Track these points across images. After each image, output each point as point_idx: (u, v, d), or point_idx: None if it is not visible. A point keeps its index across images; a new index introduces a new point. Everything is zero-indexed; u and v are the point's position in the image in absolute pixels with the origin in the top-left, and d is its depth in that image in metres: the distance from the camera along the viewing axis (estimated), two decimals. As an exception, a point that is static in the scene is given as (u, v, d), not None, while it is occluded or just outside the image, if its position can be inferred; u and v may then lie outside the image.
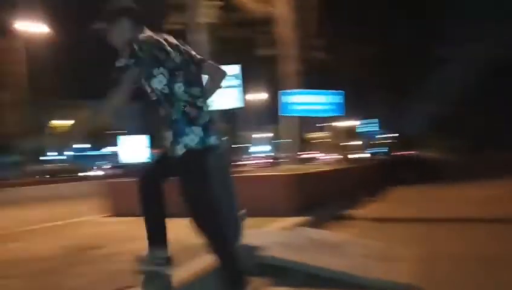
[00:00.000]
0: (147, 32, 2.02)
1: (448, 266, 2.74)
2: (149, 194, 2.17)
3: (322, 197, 5.15)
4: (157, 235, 2.20)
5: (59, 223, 4.63)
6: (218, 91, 2.24)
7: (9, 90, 25.75)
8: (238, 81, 8.46)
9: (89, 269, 2.42)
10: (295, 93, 8.48)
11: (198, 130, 1.95)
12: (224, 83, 2.28)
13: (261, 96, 35.49)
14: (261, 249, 2.69)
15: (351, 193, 6.42)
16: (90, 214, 5.24)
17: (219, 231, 2.06)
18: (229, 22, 12.68)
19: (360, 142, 21.55)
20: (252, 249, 2.72)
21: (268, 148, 57.70)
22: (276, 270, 2.58)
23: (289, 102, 8.31)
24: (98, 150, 42.84)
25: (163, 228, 2.20)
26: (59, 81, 30.52)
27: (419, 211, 5.56)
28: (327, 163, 10.68)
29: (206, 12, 7.00)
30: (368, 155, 18.73)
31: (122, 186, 5.49)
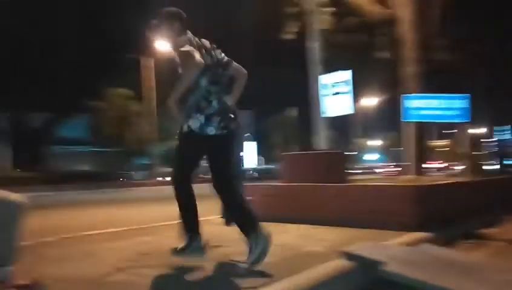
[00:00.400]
0: (189, 35, 2.63)
1: None
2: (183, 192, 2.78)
3: (449, 213, 4.62)
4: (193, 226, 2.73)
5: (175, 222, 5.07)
6: (241, 90, 2.81)
7: (143, 102, 29.51)
8: (349, 88, 8.23)
9: (211, 265, 2.58)
10: (417, 98, 7.85)
11: (201, 118, 2.53)
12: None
13: (374, 101, 33.95)
14: (379, 263, 2.52)
15: (485, 209, 5.62)
16: (211, 214, 5.62)
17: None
18: (343, 27, 12.50)
19: (490, 152, 18.86)
20: (369, 261, 2.58)
21: (378, 156, 54.73)
22: (395, 287, 2.39)
23: (412, 107, 7.72)
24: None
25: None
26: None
27: None
28: (454, 174, 9.60)
29: (320, 19, 7.01)
30: (499, 166, 16.24)
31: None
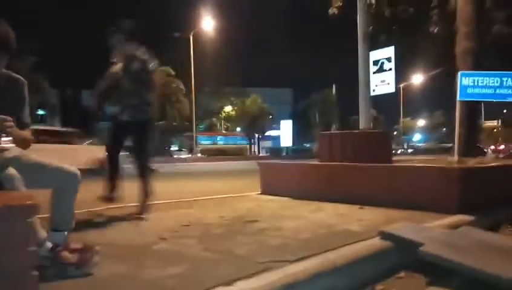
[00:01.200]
0: (126, 47, 3.65)
1: None
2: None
3: (495, 196, 4.42)
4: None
5: (221, 196, 5.22)
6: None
7: (182, 79, 29.98)
8: (392, 65, 7.91)
9: (250, 240, 2.66)
10: (473, 75, 7.38)
11: (119, 108, 3.75)
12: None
13: (420, 79, 32.40)
14: (417, 244, 2.49)
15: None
16: (247, 190, 5.74)
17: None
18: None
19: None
20: (409, 242, 2.55)
21: (423, 136, 52.59)
22: (433, 269, 2.36)
23: (469, 84, 7.28)
24: (260, 133, 46.16)
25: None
26: (224, 71, 34.07)
27: None
28: (506, 156, 9.08)
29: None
30: None
31: (273, 167, 5.82)
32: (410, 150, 42.84)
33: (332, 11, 11.54)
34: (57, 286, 1.85)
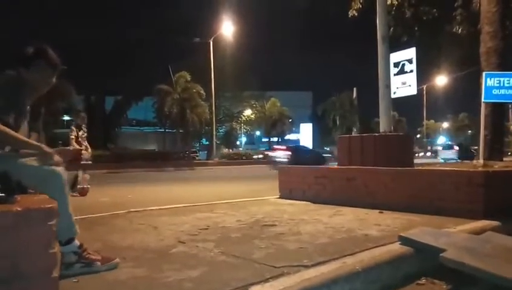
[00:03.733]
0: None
1: None
2: None
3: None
4: None
5: (240, 200, 5.23)
6: None
7: (201, 84, 30.24)
8: (413, 66, 7.76)
9: (267, 244, 2.66)
10: (499, 75, 7.15)
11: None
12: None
13: (443, 80, 31.68)
14: (438, 250, 2.43)
15: None
16: (265, 195, 5.74)
17: None
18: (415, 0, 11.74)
19: None
20: (429, 248, 2.49)
21: (446, 139, 51.34)
22: (454, 275, 2.30)
23: (494, 85, 7.06)
24: (280, 136, 46.12)
25: None
26: (243, 75, 34.23)
27: None
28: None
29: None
30: None
31: (291, 171, 5.80)
32: (428, 153, 41.73)
33: (352, 13, 11.46)
34: (78, 288, 1.90)
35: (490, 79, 6.91)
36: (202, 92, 30.15)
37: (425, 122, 45.43)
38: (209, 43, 27.55)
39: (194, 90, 30.34)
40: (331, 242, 2.70)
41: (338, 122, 45.24)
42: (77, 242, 2.11)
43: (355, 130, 41.41)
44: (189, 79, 30.34)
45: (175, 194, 5.79)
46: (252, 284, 1.82)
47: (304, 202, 4.91)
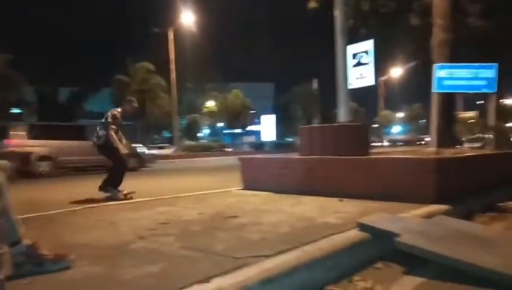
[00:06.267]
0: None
1: None
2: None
3: (470, 185, 4.54)
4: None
5: (202, 193, 5.18)
6: None
7: (163, 76, 29.54)
8: (371, 58, 7.99)
9: (229, 235, 2.65)
10: (448, 67, 7.51)
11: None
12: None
13: (399, 72, 32.92)
14: (393, 235, 2.53)
15: (509, 181, 5.48)
16: (228, 186, 5.73)
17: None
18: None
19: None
20: (384, 233, 2.59)
21: (402, 128, 53.57)
22: (409, 258, 2.41)
23: (443, 76, 7.40)
24: (242, 128, 46.19)
25: None
26: (205, 66, 33.77)
27: None
28: (480, 146, 9.34)
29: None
30: None
31: (254, 162, 5.82)
32: (386, 143, 43.45)
33: (311, 5, 11.58)
34: (28, 289, 1.81)
35: (441, 70, 7.26)
36: (163, 83, 29.44)
37: (381, 112, 47.07)
38: (169, 33, 26.87)
39: (154, 82, 29.58)
40: (293, 231, 2.73)
41: (300, 113, 45.89)
42: (26, 242, 2.00)
43: (316, 120, 42.20)
44: (150, 70, 29.50)
45: (134, 188, 5.64)
46: (213, 276, 1.80)
47: (267, 193, 4.94)
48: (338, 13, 6.07)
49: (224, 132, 48.06)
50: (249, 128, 48.12)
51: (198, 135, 42.26)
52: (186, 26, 27.43)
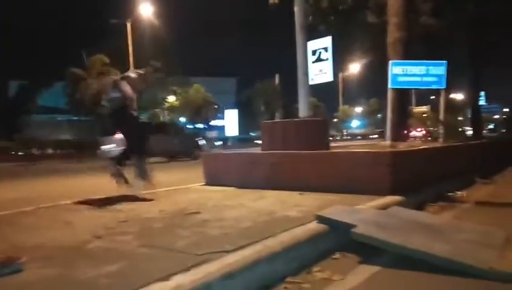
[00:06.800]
0: None
1: None
2: None
3: (423, 177, 4.79)
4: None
5: (163, 189, 5.09)
6: None
7: (122, 69, 28.54)
8: (329, 54, 8.18)
9: (190, 232, 2.64)
10: (403, 64, 7.84)
11: None
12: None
13: (358, 68, 33.89)
14: (350, 226, 2.63)
15: (459, 173, 5.84)
16: (190, 182, 5.68)
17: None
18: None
19: (467, 118, 19.29)
20: (342, 225, 2.68)
21: (361, 123, 55.38)
22: (365, 248, 2.51)
23: (398, 73, 7.72)
24: (205, 123, 45.64)
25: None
26: (165, 60, 33.01)
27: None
28: (431, 140, 9.85)
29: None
30: (474, 132, 16.63)
31: (216, 157, 5.81)
32: (345, 137, 44.75)
33: (273, 0, 11.62)
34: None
35: (395, 67, 7.57)
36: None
37: (340, 107, 48.34)
38: (127, 25, 25.98)
39: (113, 75, 28.52)
40: (254, 226, 2.76)
41: (262, 108, 46.13)
42: None
43: (278, 115, 42.60)
44: (106, 62, 28.38)
45: (91, 186, 5.45)
46: (173, 274, 1.79)
47: (230, 188, 4.95)
48: (297, 9, 6.14)
49: (187, 127, 47.41)
50: (212, 123, 47.76)
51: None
52: (146, 18, 26.66)
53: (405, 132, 9.08)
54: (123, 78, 4.51)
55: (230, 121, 51.21)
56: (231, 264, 1.91)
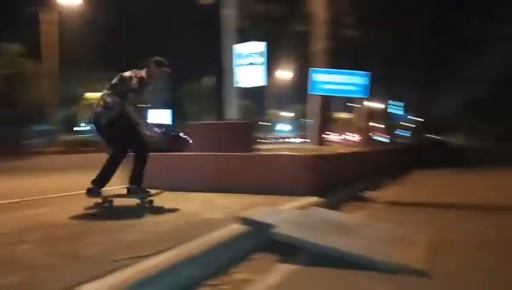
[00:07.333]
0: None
1: (454, 252, 2.67)
2: None
3: (342, 179, 5.10)
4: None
5: (75, 193, 4.76)
6: None
7: (44, 61, 26.33)
8: (263, 59, 8.36)
9: (104, 238, 2.50)
10: (324, 72, 8.27)
11: None
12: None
13: (289, 74, 35.07)
14: (270, 226, 2.70)
15: (373, 175, 6.33)
16: (110, 185, 5.37)
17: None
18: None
19: (384, 125, 21.07)
20: (262, 226, 2.74)
21: (290, 127, 57.41)
22: (285, 247, 2.60)
23: (318, 80, 8.12)
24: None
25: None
26: (92, 54, 31.06)
27: (434, 195, 5.52)
28: (350, 144, 10.53)
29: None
30: (389, 138, 18.27)
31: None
32: (273, 140, 46.04)
33: (204, 1, 11.55)
34: None
35: (316, 75, 7.98)
36: (38, 69, 26.08)
37: (269, 111, 49.67)
38: (44, 13, 24.00)
39: (28, 67, 26.02)
40: (175, 229, 2.71)
41: (193, 109, 45.52)
42: None
43: (206, 117, 42.38)
44: (20, 53, 25.80)
45: (1, 188, 4.93)
46: (82, 283, 1.68)
47: (154, 190, 4.78)
48: (225, 12, 6.18)
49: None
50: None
51: (79, 128, 38.60)
52: (68, 10, 24.88)
53: (344, 137, 9.61)
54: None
55: (161, 121, 49.58)
56: (147, 270, 1.84)
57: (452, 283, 2.16)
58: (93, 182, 3.64)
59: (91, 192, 3.59)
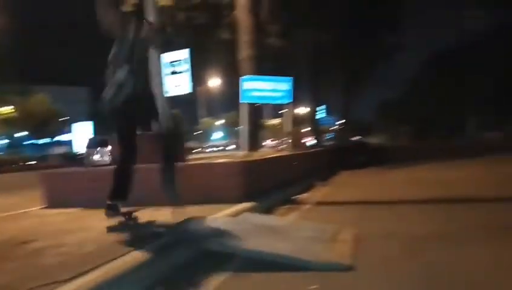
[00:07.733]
0: None
1: (380, 246, 2.86)
2: None
3: (272, 183, 5.20)
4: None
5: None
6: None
7: None
8: (187, 66, 8.26)
9: (19, 264, 2.27)
10: (252, 79, 8.38)
11: None
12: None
13: (218, 82, 35.12)
14: (204, 236, 2.66)
15: (302, 178, 6.55)
16: (27, 206, 4.95)
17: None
18: (186, 5, 12.32)
19: (309, 129, 22.05)
20: (195, 236, 2.69)
21: (222, 135, 57.60)
22: (219, 256, 2.57)
23: (248, 88, 8.20)
24: (51, 138, 40.60)
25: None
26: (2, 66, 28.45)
27: (359, 194, 5.87)
28: (279, 149, 10.83)
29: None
30: (315, 141, 19.15)
31: (57, 176, 5.23)
32: (207, 149, 45.79)
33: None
34: None
35: (246, 83, 8.08)
36: None
37: (201, 120, 49.26)
38: None
39: None
40: (99, 249, 2.54)
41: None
42: None
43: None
44: None
45: None
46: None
47: (76, 209, 4.47)
48: (149, 19, 5.99)
49: (26, 142, 41.21)
50: (59, 138, 42.71)
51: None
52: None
53: (276, 142, 9.77)
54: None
55: (81, 135, 46.67)
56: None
57: (374, 273, 2.31)
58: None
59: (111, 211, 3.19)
